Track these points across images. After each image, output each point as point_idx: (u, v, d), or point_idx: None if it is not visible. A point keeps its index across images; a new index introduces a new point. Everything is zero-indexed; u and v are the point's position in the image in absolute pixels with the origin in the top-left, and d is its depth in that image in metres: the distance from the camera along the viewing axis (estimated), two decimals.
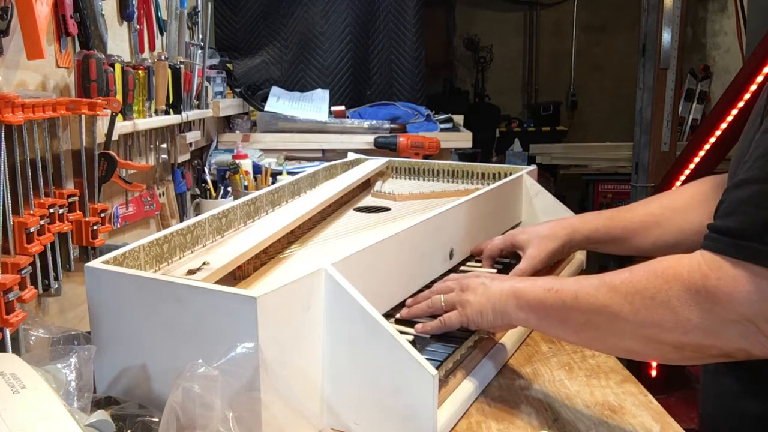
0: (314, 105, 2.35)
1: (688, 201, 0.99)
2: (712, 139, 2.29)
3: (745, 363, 0.70)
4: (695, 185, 1.02)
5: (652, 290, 0.68)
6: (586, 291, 0.73)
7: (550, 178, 4.04)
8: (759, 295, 0.62)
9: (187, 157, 1.78)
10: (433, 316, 0.89)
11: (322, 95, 2.43)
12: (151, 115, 1.47)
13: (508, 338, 0.98)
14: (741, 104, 2.17)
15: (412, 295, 0.98)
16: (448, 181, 1.57)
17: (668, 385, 2.51)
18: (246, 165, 1.83)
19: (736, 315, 0.63)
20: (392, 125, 2.22)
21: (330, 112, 2.33)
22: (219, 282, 0.83)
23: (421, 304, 0.91)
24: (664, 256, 0.71)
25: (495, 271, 1.12)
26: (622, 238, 1.04)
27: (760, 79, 2.07)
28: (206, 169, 1.93)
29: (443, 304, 0.88)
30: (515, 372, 0.92)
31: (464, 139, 2.26)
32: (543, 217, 1.40)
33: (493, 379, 0.89)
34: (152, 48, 1.56)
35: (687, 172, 2.39)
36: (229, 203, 1.13)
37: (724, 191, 0.70)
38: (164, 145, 1.61)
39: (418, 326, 0.88)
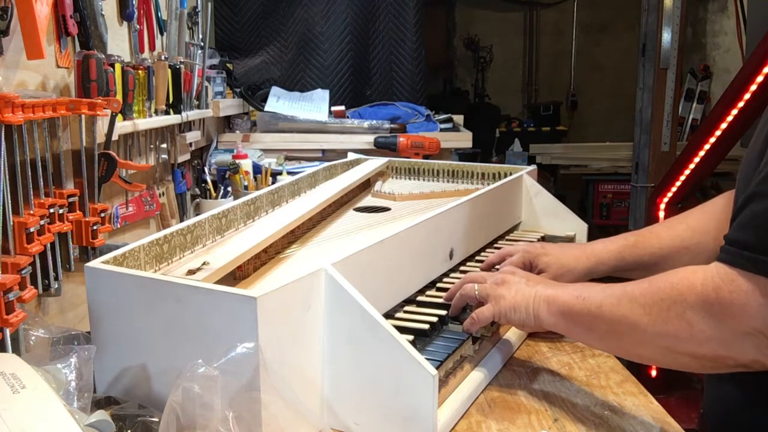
0: (314, 105, 2.35)
1: (719, 220, 0.93)
2: (712, 139, 2.28)
3: (747, 372, 0.70)
4: (722, 200, 0.96)
5: (668, 302, 0.69)
6: (609, 301, 0.75)
7: (550, 178, 4.05)
8: None
9: (187, 157, 1.78)
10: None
11: (322, 95, 2.43)
12: (151, 115, 1.47)
13: (508, 340, 0.98)
14: (741, 104, 2.16)
15: (412, 295, 0.98)
16: (448, 181, 1.57)
17: (668, 385, 2.50)
18: (246, 165, 1.83)
19: (748, 327, 0.64)
20: (392, 125, 2.22)
21: (330, 112, 2.33)
22: (219, 282, 0.83)
23: (456, 294, 0.93)
24: (681, 267, 0.72)
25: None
26: (650, 264, 0.99)
27: (760, 79, 2.07)
28: (206, 169, 1.93)
29: (477, 293, 0.89)
30: (515, 372, 0.92)
31: (464, 139, 2.26)
32: (543, 218, 1.39)
33: (493, 380, 0.89)
34: (152, 48, 1.56)
35: (687, 172, 2.38)
36: (229, 203, 1.13)
37: (740, 201, 0.69)
38: (164, 145, 1.61)
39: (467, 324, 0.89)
